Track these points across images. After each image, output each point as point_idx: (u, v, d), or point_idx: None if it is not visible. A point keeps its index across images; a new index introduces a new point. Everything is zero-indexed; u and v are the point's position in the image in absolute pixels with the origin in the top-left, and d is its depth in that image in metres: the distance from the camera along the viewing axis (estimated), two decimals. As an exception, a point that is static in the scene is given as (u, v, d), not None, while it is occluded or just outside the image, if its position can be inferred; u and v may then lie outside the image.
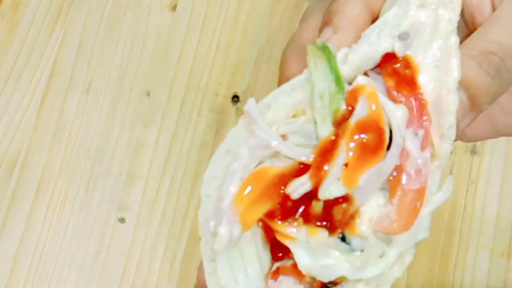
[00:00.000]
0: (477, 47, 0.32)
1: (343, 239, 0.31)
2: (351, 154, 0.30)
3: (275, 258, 0.32)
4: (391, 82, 0.31)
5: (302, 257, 0.30)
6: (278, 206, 0.30)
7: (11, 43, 0.65)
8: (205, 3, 0.66)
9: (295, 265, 0.31)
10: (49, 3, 0.66)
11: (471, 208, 0.60)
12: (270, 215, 0.30)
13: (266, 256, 0.32)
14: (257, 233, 0.31)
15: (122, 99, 0.64)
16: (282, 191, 0.30)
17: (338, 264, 0.30)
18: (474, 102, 0.32)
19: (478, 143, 0.62)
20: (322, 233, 0.30)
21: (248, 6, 0.66)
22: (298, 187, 0.30)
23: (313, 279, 0.31)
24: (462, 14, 0.35)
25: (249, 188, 0.30)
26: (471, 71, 0.31)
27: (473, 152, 0.62)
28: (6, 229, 0.60)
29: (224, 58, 0.65)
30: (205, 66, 0.64)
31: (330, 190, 0.30)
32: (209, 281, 0.31)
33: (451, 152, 0.31)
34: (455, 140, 0.31)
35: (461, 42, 0.32)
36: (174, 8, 0.66)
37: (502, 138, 0.62)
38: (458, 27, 0.32)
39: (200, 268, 0.32)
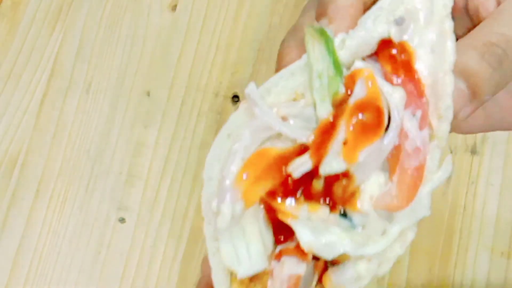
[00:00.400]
0: (480, 38, 0.32)
1: (344, 216, 0.31)
2: (350, 132, 0.30)
3: (277, 241, 0.32)
4: (388, 68, 0.32)
5: (304, 235, 0.30)
6: (279, 186, 0.31)
7: (11, 43, 0.65)
8: (205, 3, 0.66)
9: (297, 246, 0.31)
10: (49, 3, 0.66)
11: (471, 208, 0.60)
12: (272, 194, 0.31)
13: (269, 238, 0.32)
14: (259, 215, 0.32)
15: (122, 99, 0.64)
16: (283, 171, 0.31)
17: (339, 241, 0.30)
18: (474, 92, 0.32)
19: (478, 143, 0.62)
20: (323, 210, 0.31)
21: (248, 6, 0.66)
22: (299, 166, 0.31)
23: (316, 259, 0.31)
24: (467, 9, 0.35)
25: (250, 167, 0.31)
26: (473, 61, 0.32)
27: (473, 152, 0.62)
28: (6, 229, 0.60)
29: (224, 58, 0.65)
30: (205, 66, 0.64)
31: (331, 165, 0.30)
32: (212, 260, 0.32)
33: (449, 132, 0.31)
34: (449, 132, 0.32)
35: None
36: (174, 8, 0.66)
37: (502, 138, 0.62)
38: (463, 23, 0.32)
39: (205, 260, 0.33)
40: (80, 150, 0.62)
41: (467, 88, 0.32)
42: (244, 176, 0.31)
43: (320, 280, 0.32)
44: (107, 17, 0.66)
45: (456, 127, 0.34)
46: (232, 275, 0.32)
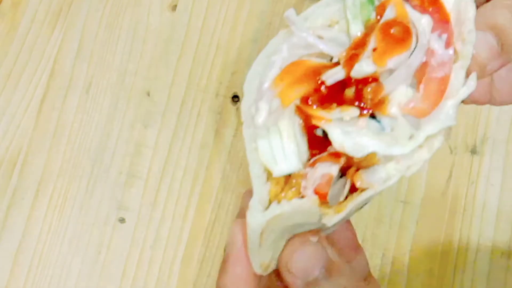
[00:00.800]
0: None
1: (374, 119, 0.33)
2: (380, 42, 0.33)
3: (311, 155, 0.34)
4: (416, 1, 0.34)
5: (336, 135, 0.33)
6: (313, 92, 0.33)
7: (11, 43, 0.65)
8: (205, 3, 0.66)
9: (330, 154, 0.33)
10: (49, 3, 0.66)
11: (471, 208, 0.60)
12: (306, 100, 0.33)
13: (303, 146, 0.34)
14: (295, 123, 0.34)
15: (122, 99, 0.64)
16: (317, 79, 0.33)
17: (369, 141, 0.32)
18: (503, 48, 0.34)
19: (478, 143, 0.62)
20: (354, 111, 0.33)
21: (248, 6, 0.66)
22: (332, 75, 0.33)
23: (348, 165, 0.33)
24: None
25: (287, 73, 0.34)
26: (503, 18, 0.34)
27: (473, 152, 0.62)
28: (6, 229, 0.60)
29: (224, 58, 0.65)
30: (205, 66, 0.64)
31: (361, 67, 0.33)
32: (250, 157, 0.34)
33: (473, 53, 0.33)
34: (483, 104, 0.35)
35: None
36: (174, 8, 0.66)
37: (502, 138, 0.62)
38: None
39: (246, 193, 0.34)
40: (80, 150, 0.62)
41: (497, 42, 0.33)
42: (281, 80, 0.33)
43: (352, 184, 0.34)
44: (107, 17, 0.66)
45: (491, 99, 0.36)
46: (268, 173, 0.34)
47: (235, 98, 0.63)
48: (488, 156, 0.62)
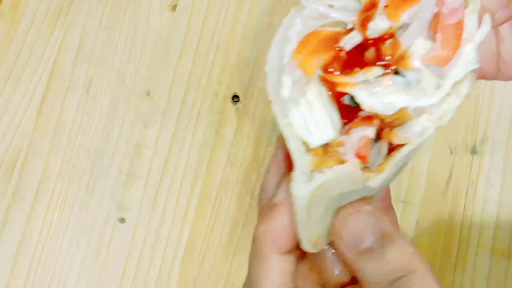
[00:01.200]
0: None
1: (398, 75, 0.34)
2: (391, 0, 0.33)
3: (344, 124, 0.34)
4: None
5: (364, 98, 0.33)
6: (334, 60, 0.34)
7: (11, 43, 0.65)
8: (205, 3, 0.66)
9: (362, 119, 0.33)
10: (49, 3, 0.66)
11: (471, 208, 0.60)
12: (328, 69, 0.34)
13: (334, 115, 0.34)
14: (323, 93, 0.34)
15: (122, 99, 0.64)
16: (335, 47, 0.34)
17: (397, 97, 0.33)
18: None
19: (478, 143, 0.62)
20: (378, 71, 0.33)
21: (248, 6, 0.66)
22: (349, 39, 0.34)
23: (382, 127, 0.34)
24: None
25: (304, 44, 0.34)
26: None
27: (473, 152, 0.62)
28: (6, 229, 0.60)
29: (224, 58, 0.65)
30: (205, 66, 0.64)
31: (376, 24, 0.33)
32: (286, 132, 0.34)
33: (495, 79, 0.35)
34: (491, 78, 0.36)
35: None
36: (174, 8, 0.66)
37: (502, 138, 0.62)
38: None
39: (279, 137, 0.35)
40: (80, 150, 0.62)
41: None
42: (299, 52, 0.34)
43: (390, 146, 0.34)
44: (107, 17, 0.66)
45: (497, 72, 0.37)
46: (306, 145, 0.34)
47: (235, 98, 0.63)
48: (488, 156, 0.62)
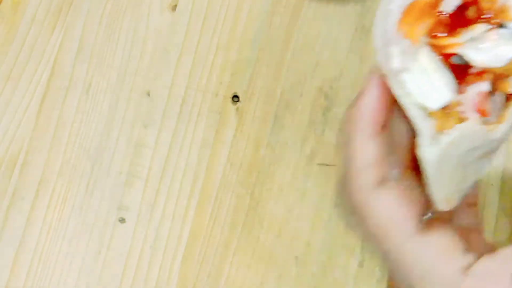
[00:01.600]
0: None
1: (502, 28, 0.35)
2: None
3: (458, 84, 0.35)
4: None
5: (473, 55, 0.34)
6: (437, 25, 0.35)
7: (11, 43, 0.65)
8: (205, 3, 0.66)
9: (475, 75, 0.34)
10: (49, 3, 0.66)
11: (471, 208, 0.60)
12: (435, 35, 0.35)
13: (448, 76, 0.35)
14: (434, 58, 0.35)
15: (122, 99, 0.64)
16: (436, 12, 0.35)
17: (506, 47, 0.34)
18: None
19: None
20: (482, 25, 0.34)
21: (248, 6, 0.66)
22: (449, 3, 0.35)
23: (494, 79, 0.35)
24: None
25: (407, 14, 0.35)
26: None
27: (473, 152, 0.62)
28: (6, 229, 0.60)
29: (224, 58, 0.65)
30: (205, 66, 0.64)
31: None
32: (404, 101, 0.35)
33: None
34: None
35: None
36: (174, 8, 0.66)
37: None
38: None
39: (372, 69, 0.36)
40: (80, 150, 0.62)
41: None
42: (403, 23, 0.35)
43: (507, 95, 0.35)
44: (107, 17, 0.66)
45: None
46: (425, 110, 0.35)
47: (235, 98, 0.63)
48: (488, 156, 0.62)
